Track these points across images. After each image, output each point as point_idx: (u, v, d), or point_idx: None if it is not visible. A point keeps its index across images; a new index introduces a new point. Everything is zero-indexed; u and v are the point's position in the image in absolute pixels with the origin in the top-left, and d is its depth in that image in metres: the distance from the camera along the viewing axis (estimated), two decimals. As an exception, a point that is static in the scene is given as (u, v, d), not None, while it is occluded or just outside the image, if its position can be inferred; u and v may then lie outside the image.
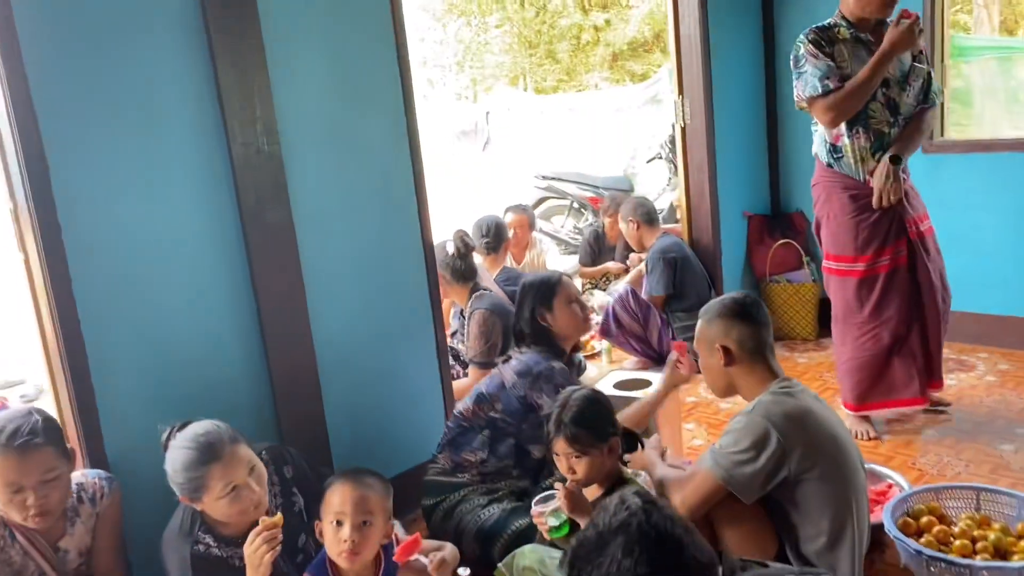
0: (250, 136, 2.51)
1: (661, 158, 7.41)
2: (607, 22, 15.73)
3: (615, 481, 2.16)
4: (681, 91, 4.29)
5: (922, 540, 2.36)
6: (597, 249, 5.42)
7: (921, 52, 3.09)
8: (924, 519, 2.46)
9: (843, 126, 3.04)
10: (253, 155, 2.52)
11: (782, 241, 4.51)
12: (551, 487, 2.72)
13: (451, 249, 3.79)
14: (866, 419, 3.30)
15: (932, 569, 2.26)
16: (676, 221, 5.45)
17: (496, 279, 4.12)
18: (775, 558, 2.13)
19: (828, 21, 3.06)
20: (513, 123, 12.44)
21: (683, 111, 4.31)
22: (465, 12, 17.03)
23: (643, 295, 4.32)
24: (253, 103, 2.51)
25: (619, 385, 3.09)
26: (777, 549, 2.15)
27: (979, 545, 2.32)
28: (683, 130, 4.36)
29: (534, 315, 2.76)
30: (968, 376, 3.75)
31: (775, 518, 2.14)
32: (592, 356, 4.49)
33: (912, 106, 3.06)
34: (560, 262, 6.86)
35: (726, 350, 2.23)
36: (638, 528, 1.35)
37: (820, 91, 2.97)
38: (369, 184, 2.90)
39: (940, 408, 3.38)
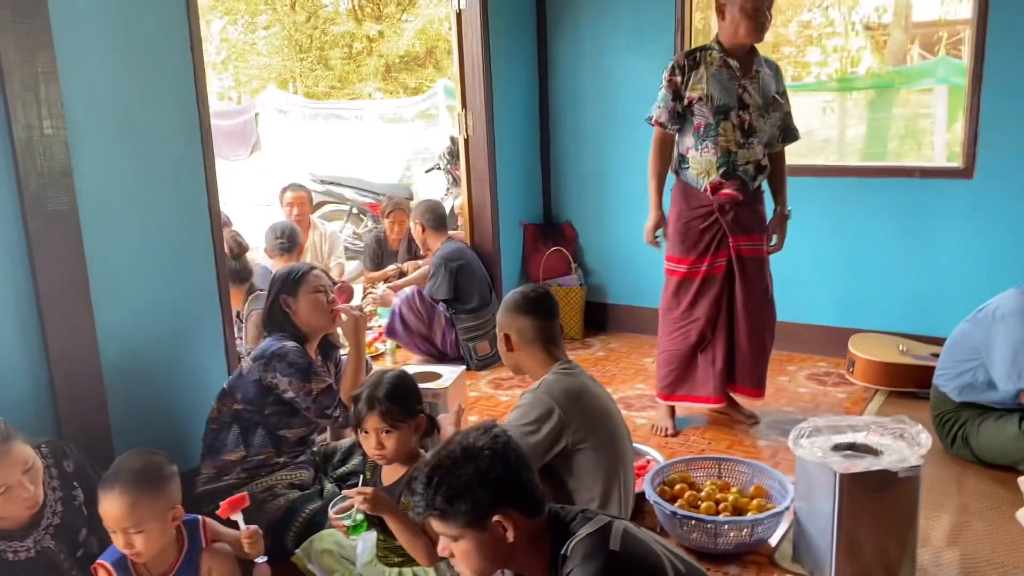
0: (33, 118, 2.39)
1: (440, 168, 7.66)
2: (380, 33, 15.86)
3: (417, 461, 2.31)
4: (464, 105, 4.54)
5: (676, 503, 2.72)
6: (380, 254, 5.52)
7: (784, 92, 3.43)
8: (678, 486, 2.83)
9: (693, 139, 3.32)
10: (36, 139, 2.41)
11: (553, 248, 4.88)
12: (342, 480, 2.82)
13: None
14: (671, 415, 3.60)
15: (684, 527, 2.62)
16: (456, 227, 5.69)
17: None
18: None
19: (707, 44, 3.35)
20: (285, 127, 12.21)
21: (466, 124, 4.56)
22: (231, 11, 16.45)
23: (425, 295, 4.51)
24: (37, 84, 2.40)
25: (409, 378, 3.24)
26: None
27: (721, 505, 2.71)
28: (466, 142, 4.60)
29: (277, 302, 2.83)
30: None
31: (552, 486, 2.38)
32: (377, 357, 4.59)
33: (767, 132, 3.35)
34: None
35: (507, 338, 2.48)
36: (503, 448, 1.61)
37: (649, 119, 3.37)
38: (159, 175, 2.84)
39: (750, 419, 3.63)
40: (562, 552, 1.64)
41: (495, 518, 1.60)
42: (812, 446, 2.43)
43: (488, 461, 1.60)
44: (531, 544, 1.66)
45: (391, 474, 2.36)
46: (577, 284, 4.89)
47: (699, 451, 3.35)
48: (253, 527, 2.18)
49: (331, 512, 2.32)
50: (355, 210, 7.22)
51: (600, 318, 5.06)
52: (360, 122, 11.99)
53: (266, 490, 2.69)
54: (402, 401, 2.25)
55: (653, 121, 3.38)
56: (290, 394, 2.69)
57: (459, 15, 4.44)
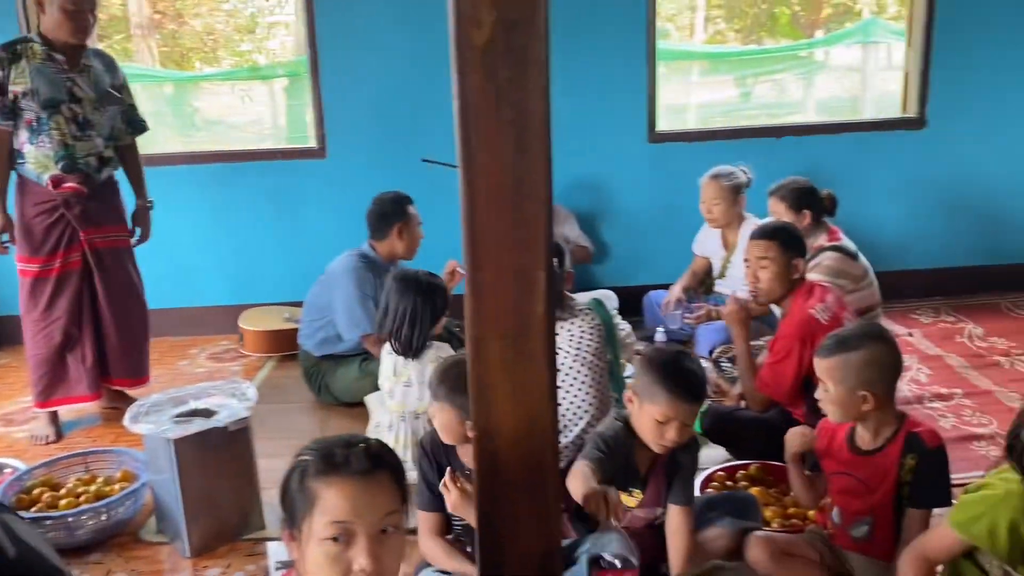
0: None
1: None
2: None
3: None
4: None
5: (35, 509, 2.64)
6: None
7: (124, 86, 3.38)
8: (37, 491, 2.75)
9: (27, 134, 3.18)
10: None
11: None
12: None
13: None
14: (53, 421, 3.45)
15: (43, 530, 2.55)
16: None
17: None
18: None
19: (26, 35, 3.15)
20: None
21: None
22: None
23: None
24: None
25: None
26: None
27: (83, 498, 2.71)
28: None
29: None
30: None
31: None
32: None
33: (106, 126, 3.31)
34: None
35: None
36: None
37: None
38: None
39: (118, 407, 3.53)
40: None
41: None
42: (149, 421, 2.56)
43: None
44: None
45: None
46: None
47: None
48: None
49: None
50: None
51: (-6, 333, 4.61)
52: None
53: None
54: None
55: None
56: None
57: None
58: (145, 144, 3.65)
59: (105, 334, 3.44)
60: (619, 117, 4.46)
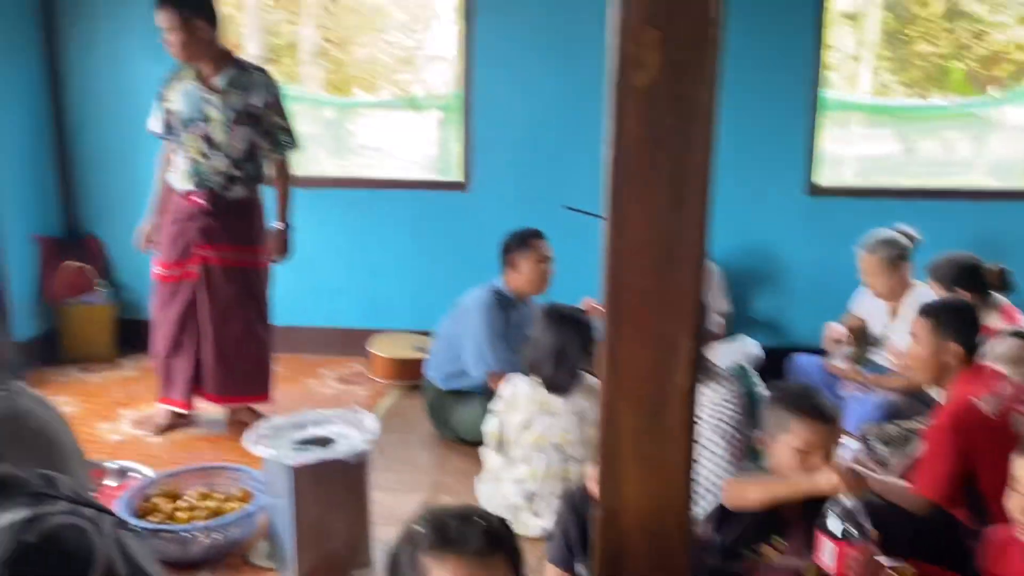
0: None
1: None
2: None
3: None
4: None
5: (151, 518, 2.68)
6: None
7: (272, 104, 3.41)
8: (156, 499, 2.79)
9: (177, 148, 3.43)
10: None
11: (72, 264, 4.55)
12: None
13: None
14: (168, 417, 3.61)
15: (158, 541, 2.58)
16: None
17: None
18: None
19: None
20: None
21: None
22: None
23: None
24: None
25: None
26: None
27: (197, 512, 2.72)
28: (-47, 147, 4.11)
29: None
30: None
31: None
32: None
33: (236, 147, 3.38)
34: None
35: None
36: None
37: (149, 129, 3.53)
38: None
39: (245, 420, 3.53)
40: None
41: None
42: (270, 444, 2.54)
43: None
44: None
45: None
46: (104, 302, 4.61)
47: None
48: None
49: None
50: None
51: (141, 335, 4.81)
52: None
53: None
54: None
55: (148, 130, 3.50)
56: None
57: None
58: (300, 166, 3.71)
59: (203, 348, 3.53)
60: (775, 167, 4.24)
